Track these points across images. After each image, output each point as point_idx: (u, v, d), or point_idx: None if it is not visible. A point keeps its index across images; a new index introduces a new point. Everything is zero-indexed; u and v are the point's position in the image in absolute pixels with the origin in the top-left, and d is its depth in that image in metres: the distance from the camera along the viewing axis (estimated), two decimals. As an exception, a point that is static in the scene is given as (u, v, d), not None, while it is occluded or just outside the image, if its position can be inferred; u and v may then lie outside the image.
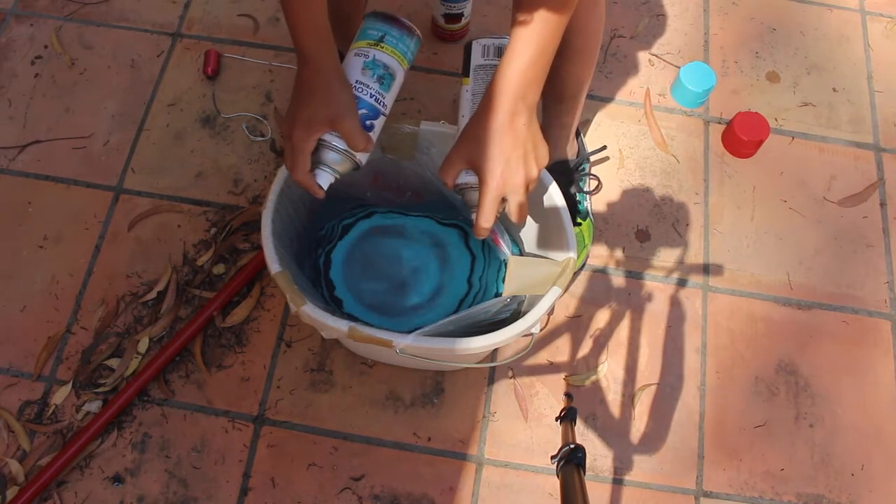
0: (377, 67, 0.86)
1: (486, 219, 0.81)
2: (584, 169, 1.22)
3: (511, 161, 0.78)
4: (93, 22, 1.42)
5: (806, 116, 1.39)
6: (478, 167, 0.79)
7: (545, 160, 0.82)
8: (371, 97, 0.85)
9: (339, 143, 0.83)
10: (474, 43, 0.93)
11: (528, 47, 0.76)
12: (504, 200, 0.81)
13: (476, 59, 0.92)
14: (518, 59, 0.76)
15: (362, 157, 0.86)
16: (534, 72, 0.77)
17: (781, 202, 1.31)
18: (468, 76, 0.93)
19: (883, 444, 1.15)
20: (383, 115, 0.88)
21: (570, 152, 1.21)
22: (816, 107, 1.40)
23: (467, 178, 0.83)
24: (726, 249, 1.27)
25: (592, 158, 1.30)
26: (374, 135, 0.86)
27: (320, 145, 0.83)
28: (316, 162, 0.84)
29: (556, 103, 1.12)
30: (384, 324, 1.09)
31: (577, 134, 1.25)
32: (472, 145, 0.80)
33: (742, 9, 1.49)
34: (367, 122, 0.85)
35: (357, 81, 0.85)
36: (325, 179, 0.85)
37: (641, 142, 1.35)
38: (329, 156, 0.84)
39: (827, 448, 1.14)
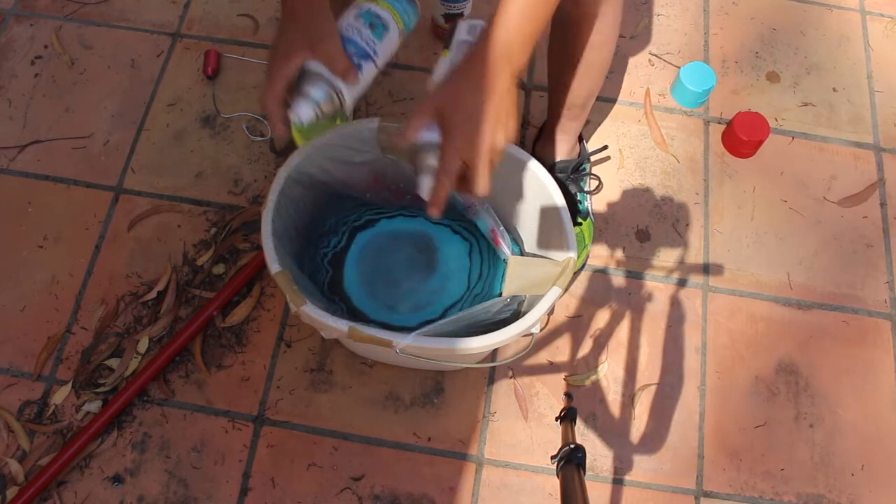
0: (370, 16, 0.83)
1: (447, 173, 0.72)
2: (584, 168, 1.22)
3: (483, 123, 0.71)
4: (93, 22, 1.42)
5: (806, 116, 1.39)
6: (447, 119, 0.72)
7: (514, 135, 0.75)
8: (361, 38, 0.80)
9: (320, 70, 0.78)
10: (461, 21, 0.88)
11: (519, 5, 0.71)
12: (466, 167, 0.74)
13: (461, 34, 0.84)
14: (507, 15, 0.71)
15: (346, 93, 0.79)
16: (523, 32, 0.72)
17: (781, 202, 1.31)
18: (448, 49, 0.84)
19: (883, 444, 1.15)
20: (373, 61, 0.82)
21: (572, 155, 1.21)
22: (816, 107, 1.40)
23: (430, 136, 0.74)
24: (726, 249, 1.27)
25: (593, 158, 1.30)
26: (362, 78, 0.81)
27: (301, 74, 0.78)
28: (296, 95, 0.78)
29: (564, 109, 1.12)
30: (394, 320, 1.09)
31: (580, 138, 1.25)
32: (446, 96, 0.72)
33: (742, 9, 1.49)
34: (355, 60, 0.79)
35: (348, 24, 0.81)
36: (303, 109, 0.78)
37: (641, 142, 1.35)
38: (309, 84, 0.78)
39: (827, 448, 1.14)
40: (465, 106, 0.71)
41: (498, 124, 0.72)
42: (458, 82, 0.73)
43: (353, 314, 1.11)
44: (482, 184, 0.73)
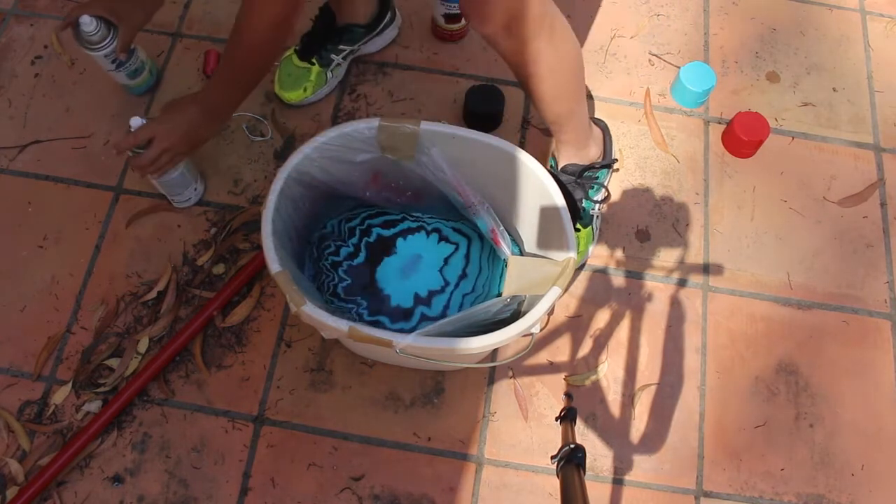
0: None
1: (141, 131, 1.05)
2: (598, 177, 1.21)
3: (185, 124, 1.06)
4: (93, 22, 1.41)
5: (806, 116, 1.39)
6: (160, 119, 1.07)
7: (180, 151, 1.08)
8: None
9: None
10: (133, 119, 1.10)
11: (223, 78, 1.04)
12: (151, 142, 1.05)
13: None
14: (212, 88, 1.06)
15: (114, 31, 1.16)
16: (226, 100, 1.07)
17: (781, 202, 1.31)
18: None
19: (883, 444, 1.15)
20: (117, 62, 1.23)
21: (584, 158, 1.20)
22: (816, 107, 1.40)
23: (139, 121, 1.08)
24: (726, 249, 1.27)
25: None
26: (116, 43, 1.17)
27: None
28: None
29: (549, 125, 1.15)
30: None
31: (605, 138, 1.24)
32: (170, 114, 1.07)
33: (742, 9, 1.49)
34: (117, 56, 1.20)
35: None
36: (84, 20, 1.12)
37: (641, 142, 1.35)
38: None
39: (827, 448, 1.14)
40: (175, 122, 1.07)
41: (189, 134, 1.07)
42: (181, 112, 1.07)
43: (381, 303, 1.13)
44: (145, 158, 1.06)
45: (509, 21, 0.91)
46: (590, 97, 1.38)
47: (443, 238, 1.17)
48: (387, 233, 1.18)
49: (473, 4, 0.91)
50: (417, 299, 1.13)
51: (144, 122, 1.07)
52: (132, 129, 1.08)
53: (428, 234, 1.18)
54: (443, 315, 1.13)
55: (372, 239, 1.17)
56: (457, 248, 1.17)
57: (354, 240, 1.17)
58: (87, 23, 1.11)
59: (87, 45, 1.15)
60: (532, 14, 0.91)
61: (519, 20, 0.91)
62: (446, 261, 1.16)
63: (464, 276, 1.15)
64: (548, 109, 1.09)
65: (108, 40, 1.15)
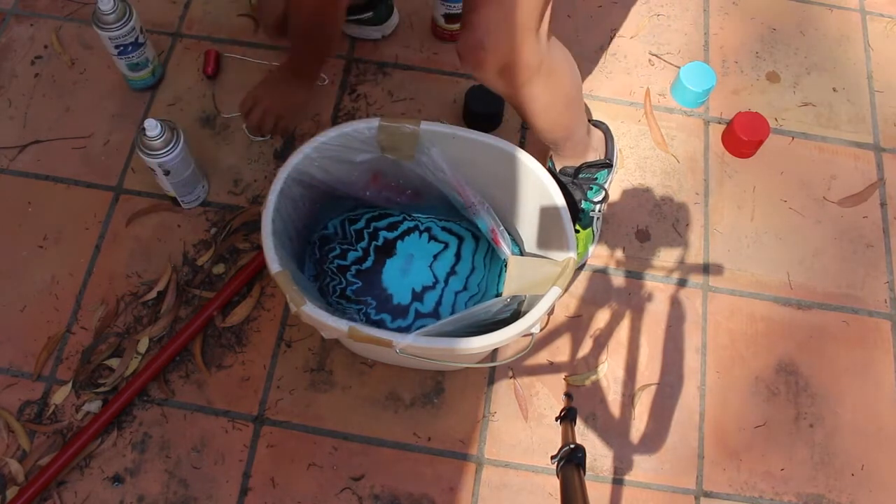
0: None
1: (251, 97, 1.26)
2: (597, 178, 1.21)
3: (280, 88, 1.22)
4: (93, 22, 1.42)
5: (806, 116, 1.39)
6: (265, 84, 1.26)
7: (281, 117, 1.25)
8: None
9: None
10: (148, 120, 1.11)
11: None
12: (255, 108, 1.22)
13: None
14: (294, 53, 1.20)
15: None
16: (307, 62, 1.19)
17: (781, 202, 1.31)
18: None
19: (883, 444, 1.15)
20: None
21: (582, 159, 1.19)
22: (816, 107, 1.40)
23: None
24: (726, 249, 1.27)
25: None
26: None
27: None
28: None
29: (547, 144, 1.15)
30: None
31: (606, 141, 1.24)
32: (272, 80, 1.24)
33: (742, 9, 1.49)
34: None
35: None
36: None
37: (641, 142, 1.35)
38: None
39: (827, 448, 1.14)
40: (270, 84, 1.25)
41: (278, 107, 1.24)
42: (273, 77, 1.26)
43: (385, 302, 1.13)
44: (252, 119, 1.26)
45: (503, 68, 0.90)
46: (590, 97, 1.38)
47: (432, 237, 1.18)
48: (391, 235, 1.18)
49: (467, 49, 0.90)
50: (414, 295, 1.14)
51: (158, 123, 1.09)
52: (146, 132, 1.09)
53: (420, 233, 1.18)
54: (435, 311, 1.13)
55: (380, 242, 1.17)
56: (446, 247, 1.17)
57: (363, 244, 1.17)
58: (106, 1, 1.17)
59: (100, 25, 1.19)
60: (526, 62, 0.90)
61: (513, 67, 0.90)
62: (435, 257, 1.17)
63: (453, 273, 1.15)
64: (544, 137, 1.10)
65: (120, 23, 1.20)
